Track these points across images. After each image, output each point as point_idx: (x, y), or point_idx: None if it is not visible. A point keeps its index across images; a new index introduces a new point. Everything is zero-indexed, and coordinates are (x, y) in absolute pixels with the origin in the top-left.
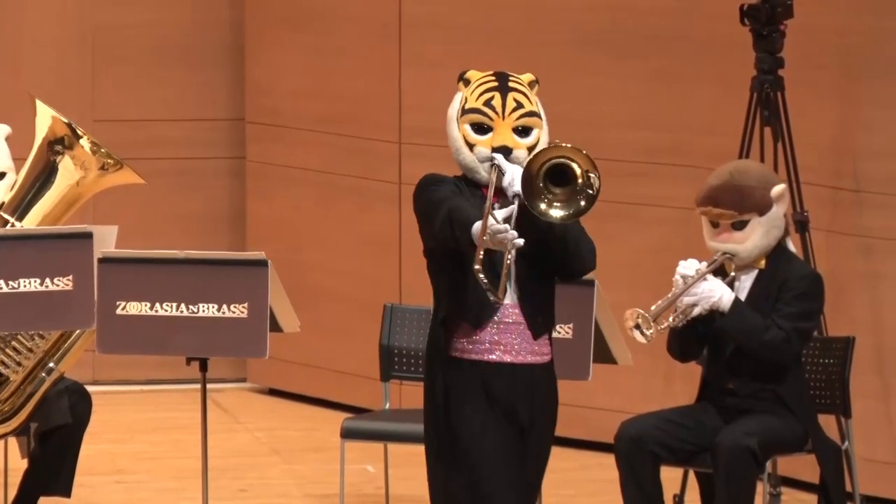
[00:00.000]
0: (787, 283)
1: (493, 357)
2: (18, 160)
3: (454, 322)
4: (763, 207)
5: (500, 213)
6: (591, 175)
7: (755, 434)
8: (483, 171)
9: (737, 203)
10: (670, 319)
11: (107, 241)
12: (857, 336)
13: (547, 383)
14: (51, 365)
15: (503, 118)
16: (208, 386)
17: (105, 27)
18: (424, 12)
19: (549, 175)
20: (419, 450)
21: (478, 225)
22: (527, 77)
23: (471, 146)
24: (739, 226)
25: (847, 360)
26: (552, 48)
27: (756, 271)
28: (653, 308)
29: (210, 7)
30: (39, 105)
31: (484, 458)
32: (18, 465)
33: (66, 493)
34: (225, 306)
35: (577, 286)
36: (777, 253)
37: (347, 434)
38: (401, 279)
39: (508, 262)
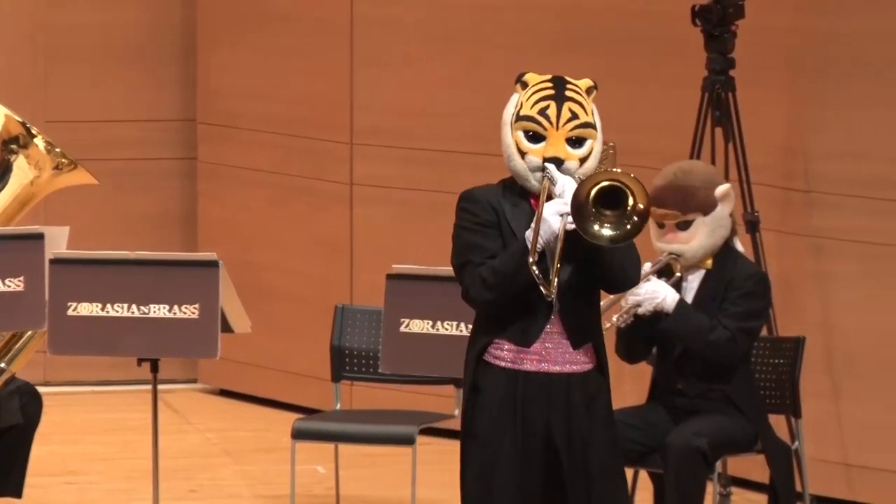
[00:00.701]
0: (732, 283)
1: (530, 368)
2: None
3: (499, 337)
4: (707, 207)
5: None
6: (640, 202)
7: (705, 434)
8: (533, 180)
9: (680, 203)
10: (614, 319)
11: (58, 241)
12: (808, 336)
13: (587, 393)
14: (1, 365)
15: (557, 128)
16: (159, 387)
17: (56, 28)
18: (376, 13)
19: (600, 197)
20: (370, 450)
21: (529, 233)
22: (584, 83)
23: (522, 153)
24: (684, 226)
25: (797, 360)
26: (503, 48)
27: (703, 271)
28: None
29: (162, 8)
30: None
31: (493, 466)
32: None
33: (17, 493)
34: (176, 307)
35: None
36: (724, 253)
37: (298, 435)
38: (352, 280)
39: (558, 265)
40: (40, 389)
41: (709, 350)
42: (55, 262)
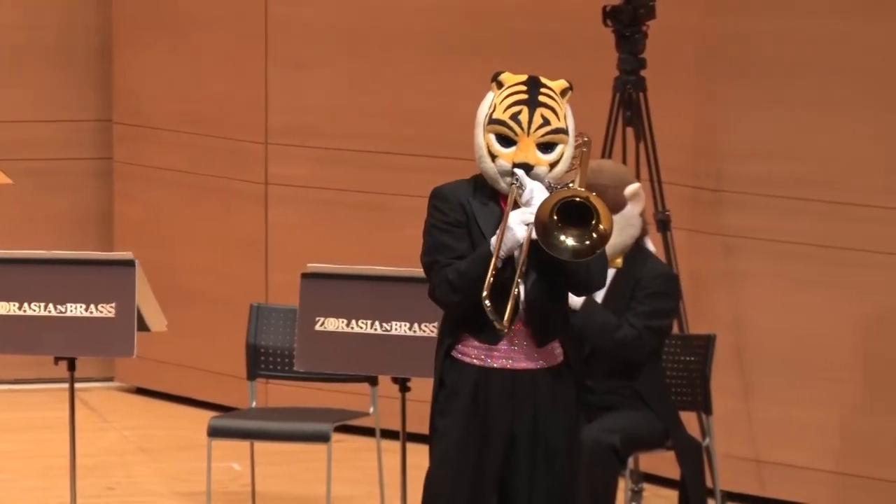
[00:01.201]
0: (641, 282)
1: (495, 364)
2: None
3: (465, 333)
4: (616, 206)
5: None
6: (602, 221)
7: (617, 431)
8: (503, 183)
9: None
10: None
11: None
12: (718, 334)
13: (552, 390)
14: None
15: (528, 134)
16: (76, 385)
17: None
18: (289, 15)
19: (565, 212)
20: (285, 448)
21: (494, 239)
22: (559, 84)
23: (493, 156)
24: None
25: (708, 357)
26: (413, 49)
27: (613, 270)
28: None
29: (77, 10)
30: None
31: (448, 459)
32: None
33: None
34: (93, 306)
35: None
36: (634, 252)
37: (214, 432)
38: (267, 279)
39: (517, 291)
40: None
41: (615, 347)
42: None
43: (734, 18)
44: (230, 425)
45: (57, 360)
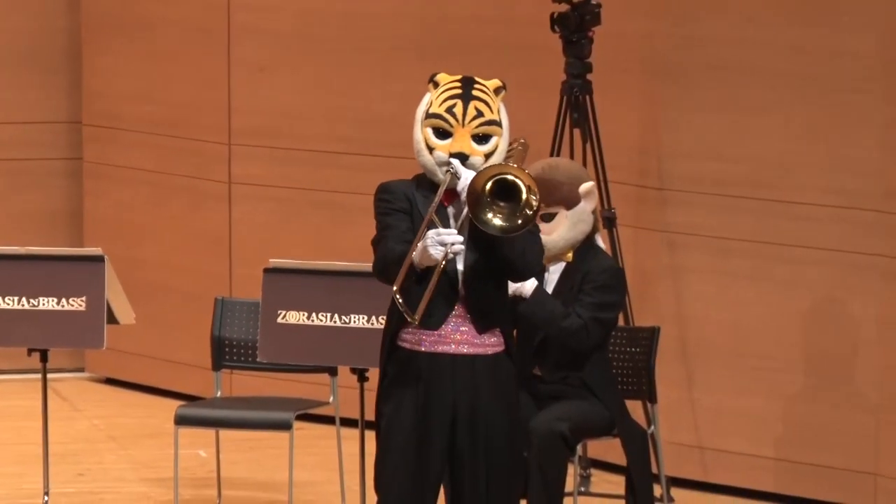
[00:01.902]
0: (588, 276)
1: (438, 349)
2: None
3: (406, 321)
4: (570, 202)
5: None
6: (533, 197)
7: (566, 419)
8: (441, 174)
9: (545, 196)
10: None
11: None
12: (662, 326)
13: (491, 374)
14: None
15: (463, 125)
16: (48, 375)
17: None
18: (251, 20)
19: (496, 189)
20: (249, 435)
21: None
22: (493, 83)
23: (431, 149)
24: (547, 218)
25: (652, 348)
26: (369, 54)
27: (563, 264)
28: None
29: (47, 14)
30: None
31: (394, 449)
32: None
33: None
34: (64, 300)
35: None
36: (585, 248)
37: (181, 421)
38: (231, 273)
39: (429, 294)
40: None
41: (561, 335)
42: None
43: (676, 25)
44: (196, 414)
45: (30, 351)
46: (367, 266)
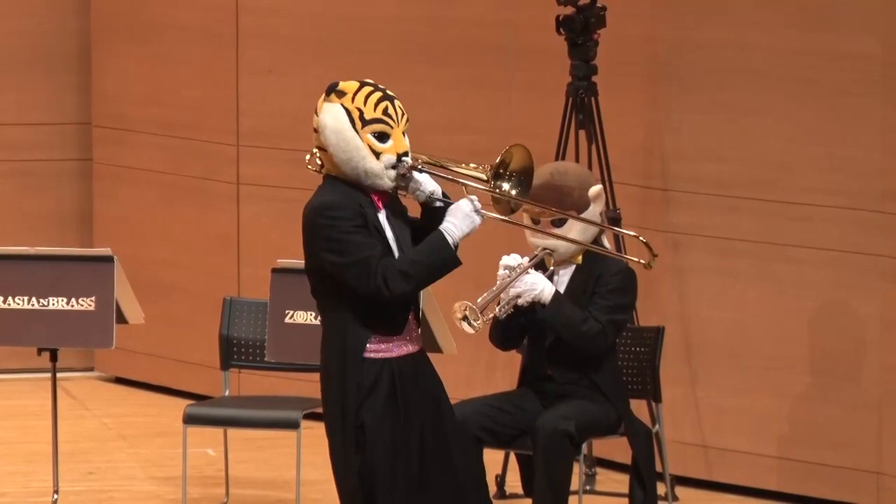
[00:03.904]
0: (602, 278)
1: (404, 351)
2: None
3: (372, 331)
4: (581, 206)
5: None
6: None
7: (572, 418)
8: (386, 178)
9: (556, 202)
10: (496, 310)
11: None
12: (667, 326)
13: (431, 366)
14: None
15: (398, 125)
16: (58, 375)
17: None
18: (259, 24)
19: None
20: (257, 434)
21: (448, 226)
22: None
23: (376, 154)
24: (559, 223)
25: (657, 348)
26: (377, 57)
27: (573, 266)
28: (479, 300)
29: (58, 17)
30: None
31: (386, 452)
32: None
33: None
34: (74, 300)
35: None
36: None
37: (189, 420)
38: (239, 274)
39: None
40: None
41: (580, 340)
42: None
43: (680, 28)
44: (205, 413)
45: (40, 350)
46: None
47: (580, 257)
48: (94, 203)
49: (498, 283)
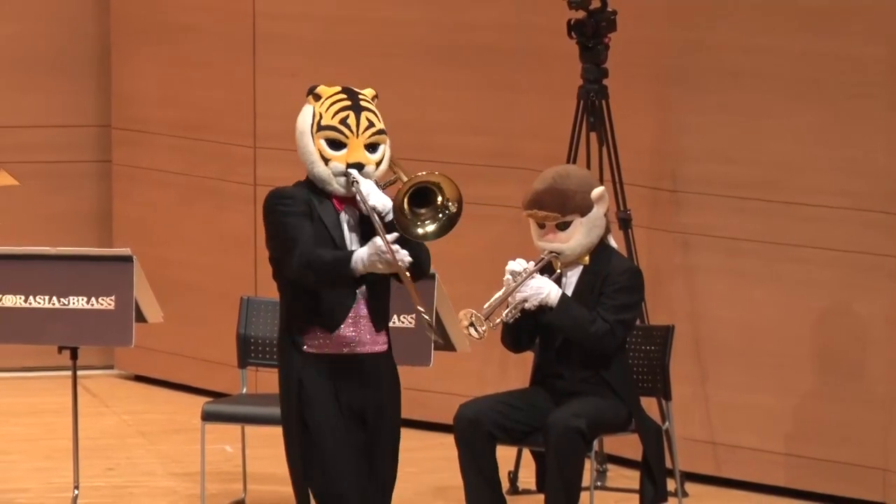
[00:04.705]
0: (609, 278)
1: (345, 350)
2: None
3: (309, 323)
4: (584, 209)
5: (390, 237)
6: (450, 202)
7: (583, 415)
8: (336, 184)
9: (560, 206)
10: (503, 315)
11: None
12: (676, 324)
13: (390, 370)
14: None
15: (357, 136)
16: (78, 373)
17: None
18: (277, 27)
19: (412, 200)
20: (274, 431)
21: (360, 252)
22: (369, 92)
23: (326, 160)
24: (563, 226)
25: (667, 346)
26: (393, 60)
27: (581, 267)
28: (485, 307)
29: (77, 21)
30: None
31: (335, 453)
32: None
33: None
34: (94, 299)
35: (422, 281)
36: (599, 249)
37: (208, 417)
38: (256, 273)
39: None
40: None
41: (588, 341)
42: None
43: (689, 32)
44: (222, 410)
45: (60, 349)
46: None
47: (587, 258)
48: (113, 204)
49: (504, 288)
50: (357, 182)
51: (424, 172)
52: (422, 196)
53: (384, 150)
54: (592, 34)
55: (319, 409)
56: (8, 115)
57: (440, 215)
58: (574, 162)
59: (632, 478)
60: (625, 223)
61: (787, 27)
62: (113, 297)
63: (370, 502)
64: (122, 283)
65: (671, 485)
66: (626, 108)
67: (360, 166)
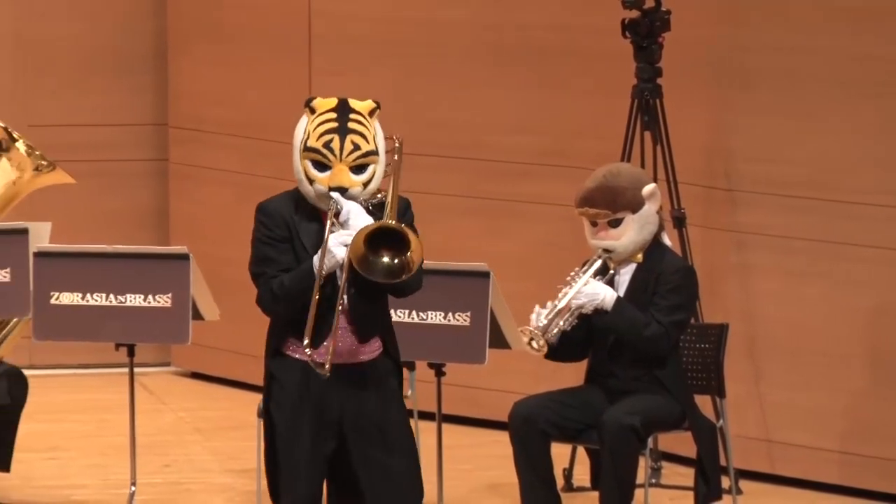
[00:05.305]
0: (662, 276)
1: (324, 359)
2: None
3: (291, 335)
4: (635, 206)
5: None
6: (411, 253)
7: (637, 413)
8: (321, 204)
9: (610, 203)
10: (560, 324)
11: (42, 236)
12: (731, 323)
13: (373, 374)
14: None
15: (340, 160)
16: (135, 370)
17: (37, 39)
18: (331, 27)
19: (376, 238)
20: None
21: (316, 259)
22: (367, 106)
23: (311, 180)
24: (615, 224)
25: (721, 345)
26: (446, 59)
27: (634, 265)
28: (543, 319)
29: (135, 20)
30: None
31: (290, 452)
32: None
33: (6, 467)
34: (150, 296)
35: (473, 278)
36: (652, 247)
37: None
38: None
39: (339, 308)
40: (26, 372)
41: (642, 343)
42: (39, 255)
43: (743, 30)
44: None
45: (117, 346)
46: (444, 264)
47: (640, 255)
48: (169, 202)
49: (559, 297)
50: (338, 204)
51: (408, 231)
52: (392, 239)
53: (373, 169)
54: (647, 34)
55: (281, 406)
56: (66, 115)
57: (395, 261)
58: (628, 161)
59: (686, 475)
60: (679, 221)
61: (840, 27)
62: (170, 295)
63: None
64: (178, 281)
65: (725, 482)
66: (679, 108)
67: (342, 189)
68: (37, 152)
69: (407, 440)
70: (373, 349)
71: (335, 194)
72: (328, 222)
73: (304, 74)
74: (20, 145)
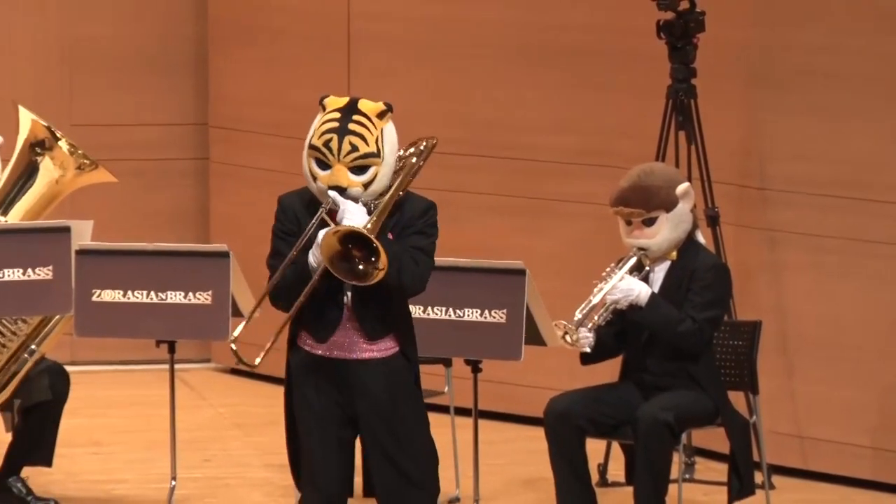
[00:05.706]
0: (696, 274)
1: (335, 354)
2: (2, 161)
3: (303, 328)
4: (669, 204)
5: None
6: (376, 270)
7: (671, 409)
8: (322, 200)
9: (644, 202)
10: (595, 318)
11: (83, 234)
12: (764, 320)
13: (384, 372)
14: (32, 347)
15: (339, 160)
16: (176, 366)
17: (81, 40)
18: (370, 28)
19: (351, 240)
20: None
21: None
22: (376, 108)
23: (314, 177)
24: (649, 222)
25: (754, 342)
26: (485, 60)
27: (668, 263)
28: (577, 315)
29: (176, 22)
30: (21, 111)
31: (310, 439)
32: (3, 437)
33: (48, 462)
34: (191, 294)
35: (510, 276)
36: (687, 245)
37: None
38: None
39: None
40: (68, 368)
41: (676, 339)
42: (81, 252)
43: (776, 32)
44: None
45: (158, 342)
46: (480, 262)
47: (675, 253)
48: (210, 201)
49: (594, 292)
50: (335, 202)
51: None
52: (367, 245)
53: (375, 171)
54: (681, 35)
55: (299, 396)
56: (109, 114)
57: (360, 267)
58: (663, 160)
59: (720, 471)
60: (713, 220)
61: (873, 28)
62: (210, 292)
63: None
64: (218, 279)
65: (758, 478)
66: (714, 108)
67: (340, 189)
68: (79, 151)
69: (419, 438)
70: (385, 347)
71: (332, 193)
72: (316, 219)
73: (343, 75)
74: (63, 144)
